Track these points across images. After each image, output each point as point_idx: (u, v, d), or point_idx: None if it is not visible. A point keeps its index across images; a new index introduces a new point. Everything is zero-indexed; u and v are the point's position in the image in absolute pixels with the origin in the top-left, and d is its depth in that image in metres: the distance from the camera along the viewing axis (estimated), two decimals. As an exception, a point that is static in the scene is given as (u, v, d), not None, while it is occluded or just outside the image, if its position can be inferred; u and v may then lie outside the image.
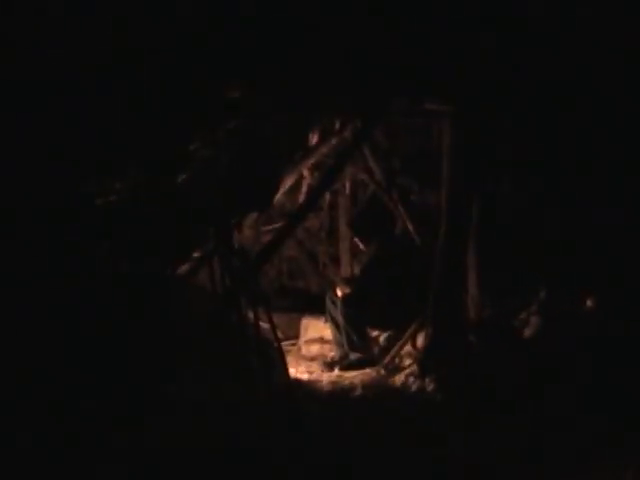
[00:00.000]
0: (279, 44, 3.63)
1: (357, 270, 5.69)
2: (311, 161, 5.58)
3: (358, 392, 4.47)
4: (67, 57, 3.12)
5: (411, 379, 4.47)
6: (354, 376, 4.89)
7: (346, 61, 3.90)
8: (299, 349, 6.10)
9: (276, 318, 4.38)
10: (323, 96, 4.19)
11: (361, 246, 5.67)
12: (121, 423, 2.97)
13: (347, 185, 6.87)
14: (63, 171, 3.26)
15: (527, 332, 4.25)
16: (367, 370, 5.00)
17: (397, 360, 5.03)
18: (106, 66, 3.25)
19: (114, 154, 3.38)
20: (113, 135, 3.32)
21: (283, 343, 4.90)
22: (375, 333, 5.51)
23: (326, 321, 5.61)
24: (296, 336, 6.30)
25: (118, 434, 2.94)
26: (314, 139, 5.55)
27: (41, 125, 3.14)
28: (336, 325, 5.39)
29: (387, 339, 5.39)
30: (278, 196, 5.28)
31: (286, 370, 4.14)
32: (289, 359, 5.24)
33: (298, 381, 4.68)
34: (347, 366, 5.16)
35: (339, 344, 5.39)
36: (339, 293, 5.45)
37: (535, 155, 4.71)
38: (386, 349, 5.26)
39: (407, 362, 4.90)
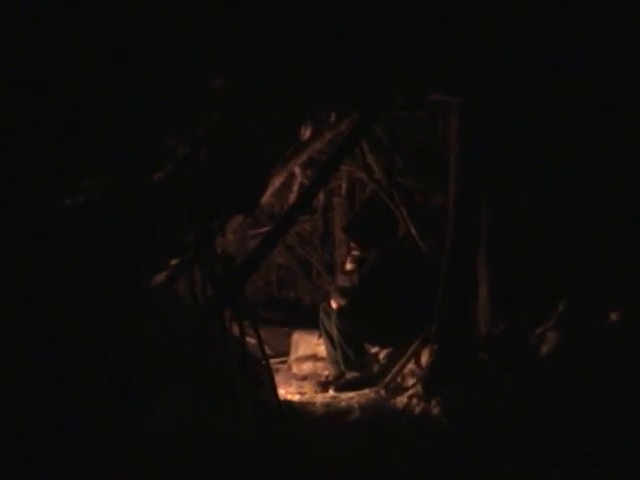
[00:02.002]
0: (267, 28, 3.63)
1: (354, 279, 5.69)
2: (303, 158, 5.57)
3: (355, 415, 4.45)
4: (31, 45, 3.12)
5: (414, 401, 4.45)
6: (351, 397, 4.88)
7: (343, 47, 3.90)
8: (289, 367, 6.11)
9: (264, 333, 4.36)
10: (317, 85, 4.19)
11: (359, 252, 5.66)
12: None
13: (343, 185, 6.90)
14: (26, 168, 3.25)
15: (544, 349, 4.25)
16: (365, 391, 4.99)
17: (399, 380, 5.02)
18: (73, 53, 3.24)
19: (82, 148, 3.37)
20: (81, 127, 3.30)
21: (272, 360, 4.89)
22: (374, 349, 5.52)
23: (320, 336, 5.60)
24: (286, 353, 6.32)
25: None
26: (307, 133, 5.54)
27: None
28: (331, 340, 5.38)
29: (388, 356, 5.39)
30: (266, 197, 5.28)
31: (275, 391, 4.12)
32: (278, 378, 5.25)
33: (289, 403, 4.67)
34: (343, 386, 5.15)
35: (334, 362, 5.38)
36: (334, 305, 5.44)
37: (552, 152, 4.72)
38: (387, 367, 5.25)
39: (410, 382, 4.90)
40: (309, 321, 6.06)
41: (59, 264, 3.30)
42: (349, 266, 5.72)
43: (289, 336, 6.37)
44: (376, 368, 5.36)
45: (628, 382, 3.80)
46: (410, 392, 4.61)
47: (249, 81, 3.78)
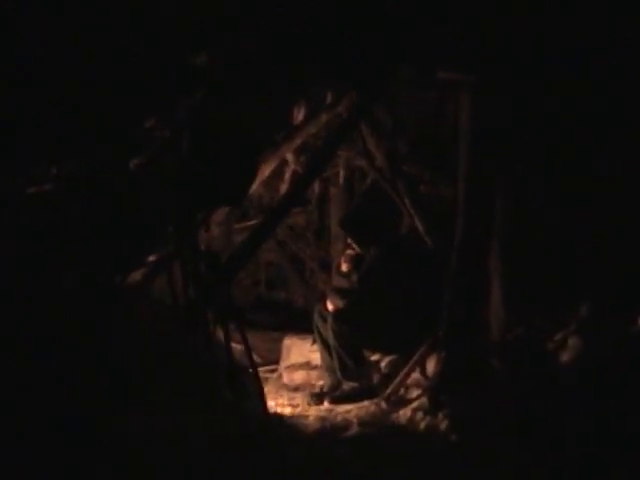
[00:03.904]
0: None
1: (353, 278, 5.68)
2: (296, 143, 5.56)
3: (353, 430, 4.44)
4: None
5: (419, 414, 4.46)
6: (348, 410, 4.88)
7: (340, 17, 3.89)
8: (280, 376, 6.10)
9: (252, 338, 4.35)
10: (311, 61, 4.18)
11: (358, 249, 5.65)
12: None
13: (341, 173, 6.88)
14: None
15: (564, 357, 4.26)
16: (365, 403, 4.99)
17: (402, 391, 5.01)
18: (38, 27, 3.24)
19: (49, 132, 3.35)
20: (48, 108, 3.29)
21: (260, 369, 4.88)
22: (375, 357, 5.51)
23: (314, 342, 5.59)
24: (276, 360, 6.30)
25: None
26: (300, 115, 5.53)
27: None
28: (326, 347, 5.37)
29: (390, 364, 5.38)
30: (255, 186, 5.26)
31: (264, 403, 4.12)
32: (268, 389, 5.24)
33: (279, 416, 4.66)
34: (340, 398, 5.14)
35: (330, 370, 5.37)
36: (330, 307, 5.43)
37: (575, 139, 4.73)
38: (389, 377, 5.25)
39: (414, 393, 4.90)
40: (302, 325, 6.05)
41: (23, 260, 3.29)
42: (345, 267, 5.71)
43: (280, 342, 6.36)
44: (377, 378, 5.34)
45: (630, 382, 3.84)
46: (415, 404, 4.61)
47: (236, 56, 3.77)
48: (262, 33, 3.83)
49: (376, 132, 5.64)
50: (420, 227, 5.39)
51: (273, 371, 6.27)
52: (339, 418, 4.74)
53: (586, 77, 4.52)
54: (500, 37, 4.37)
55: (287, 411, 5.02)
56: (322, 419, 4.74)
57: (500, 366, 4.48)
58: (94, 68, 3.35)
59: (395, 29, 4.15)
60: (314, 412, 4.95)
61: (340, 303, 5.41)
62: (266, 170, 5.37)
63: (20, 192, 3.35)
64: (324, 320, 5.38)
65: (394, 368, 5.29)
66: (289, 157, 6.24)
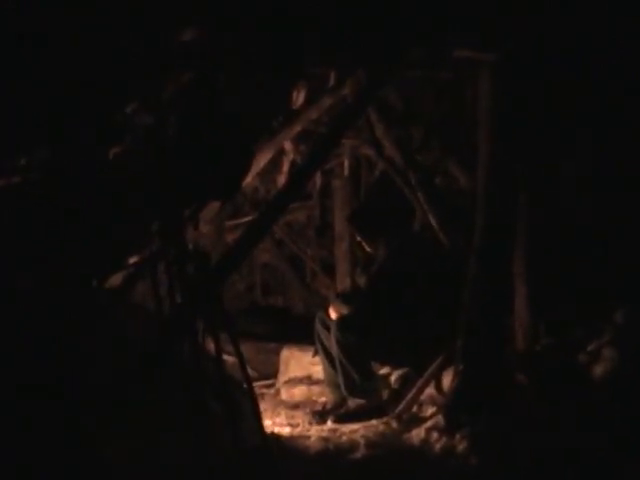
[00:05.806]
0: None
1: (360, 282, 5.67)
2: (295, 129, 5.56)
3: (360, 452, 4.44)
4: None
5: (434, 435, 4.44)
6: (354, 430, 4.87)
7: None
8: (278, 392, 6.10)
9: (246, 349, 4.35)
10: (312, 39, 4.18)
11: (366, 248, 5.65)
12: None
13: (346, 163, 6.88)
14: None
15: (597, 370, 4.25)
16: (373, 422, 4.98)
17: (415, 408, 5.01)
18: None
19: (18, 119, 3.35)
20: (17, 92, 3.29)
21: (255, 384, 4.88)
22: (384, 370, 5.50)
23: (315, 353, 5.58)
24: (274, 374, 6.30)
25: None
26: (300, 99, 5.52)
27: None
28: (329, 359, 5.36)
29: (401, 379, 5.38)
30: (249, 179, 5.26)
31: (260, 422, 4.11)
32: (264, 406, 5.23)
33: (276, 437, 4.66)
34: (345, 416, 5.14)
35: (333, 385, 5.37)
36: (334, 314, 5.42)
37: (605, 125, 4.75)
38: (399, 393, 5.24)
39: (429, 411, 4.89)
40: (302, 334, 6.05)
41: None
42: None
43: (277, 353, 6.36)
44: (386, 394, 5.35)
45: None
46: (429, 423, 4.60)
47: (228, 31, 3.77)
48: (258, 8, 3.83)
49: (385, 118, 5.64)
50: (434, 223, 5.39)
51: (270, 386, 6.27)
52: (344, 439, 4.72)
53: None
54: (525, 9, 4.38)
55: (286, 431, 5.01)
56: (325, 440, 4.73)
57: (526, 380, 4.47)
58: (68, 46, 3.35)
59: (407, 3, 4.15)
60: (316, 432, 4.94)
61: (345, 310, 5.39)
62: (262, 160, 5.36)
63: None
64: (327, 329, 5.37)
65: (406, 383, 5.29)
66: (287, 146, 6.24)
